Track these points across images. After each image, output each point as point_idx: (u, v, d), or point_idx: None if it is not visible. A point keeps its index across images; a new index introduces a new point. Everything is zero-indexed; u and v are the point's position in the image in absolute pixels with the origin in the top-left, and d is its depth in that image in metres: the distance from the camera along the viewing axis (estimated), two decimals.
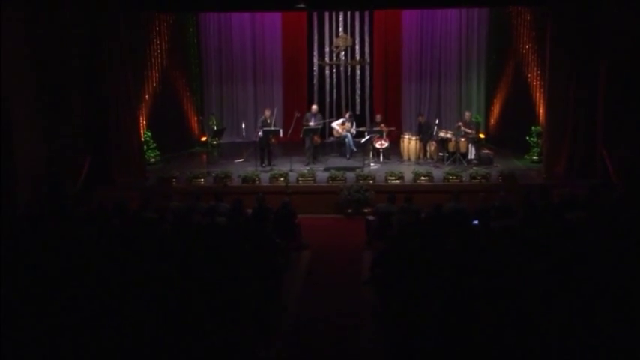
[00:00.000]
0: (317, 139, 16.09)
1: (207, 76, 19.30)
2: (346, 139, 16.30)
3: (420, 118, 16.77)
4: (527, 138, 16.15)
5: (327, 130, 17.35)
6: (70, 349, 5.87)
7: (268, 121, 15.81)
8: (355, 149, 16.29)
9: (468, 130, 15.82)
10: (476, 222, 9.99)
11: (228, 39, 19.14)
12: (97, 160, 14.40)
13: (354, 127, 16.56)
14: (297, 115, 16.34)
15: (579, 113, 14.21)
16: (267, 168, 15.36)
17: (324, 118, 17.26)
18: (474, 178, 14.33)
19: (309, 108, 16.66)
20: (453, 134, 15.83)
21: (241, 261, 8.25)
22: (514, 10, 16.85)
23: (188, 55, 18.53)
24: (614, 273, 7.21)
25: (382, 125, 16.42)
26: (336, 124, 16.58)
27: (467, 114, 16.45)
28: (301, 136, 15.98)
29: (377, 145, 16.22)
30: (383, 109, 18.63)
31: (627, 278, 7.05)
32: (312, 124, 15.91)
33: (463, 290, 6.81)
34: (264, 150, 15.75)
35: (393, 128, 16.94)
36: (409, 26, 18.90)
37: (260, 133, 15.59)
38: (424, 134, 16.29)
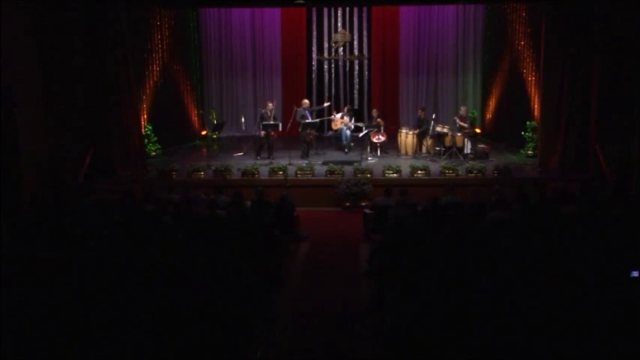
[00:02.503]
0: (311, 137, 16.20)
1: (207, 71, 19.46)
2: (343, 133, 16.45)
3: (420, 112, 16.94)
4: (523, 133, 16.32)
5: (325, 125, 17.52)
6: (72, 339, 5.99)
7: (269, 114, 15.98)
8: (351, 141, 16.43)
9: (463, 124, 16.01)
10: None
11: (229, 34, 19.29)
12: (99, 152, 14.52)
13: (352, 121, 16.67)
14: (295, 108, 16.48)
15: (573, 109, 14.39)
16: (267, 161, 15.48)
17: (321, 112, 17.40)
18: (470, 172, 14.49)
19: (300, 103, 16.63)
20: (450, 128, 16.03)
21: (241, 252, 8.39)
22: (509, 7, 17.02)
23: (188, 50, 18.66)
24: (606, 266, 7.37)
25: (379, 120, 16.59)
26: (338, 115, 16.71)
27: (462, 108, 16.64)
28: (300, 130, 16.13)
29: (374, 140, 16.39)
30: (380, 103, 18.83)
31: (619, 271, 7.20)
32: (309, 119, 16.09)
33: (459, 281, 6.96)
34: (264, 144, 15.97)
35: (382, 124, 16.71)
36: (406, 22, 19.10)
37: (263, 132, 15.83)
38: (422, 128, 16.48)
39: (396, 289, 7.54)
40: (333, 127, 16.77)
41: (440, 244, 8.53)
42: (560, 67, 14.35)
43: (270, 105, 16.12)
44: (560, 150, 14.56)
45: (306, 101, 16.72)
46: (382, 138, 16.36)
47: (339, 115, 16.75)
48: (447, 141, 15.94)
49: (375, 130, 16.33)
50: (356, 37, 19.18)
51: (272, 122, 15.95)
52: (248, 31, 19.30)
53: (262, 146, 15.98)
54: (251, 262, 8.21)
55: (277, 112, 17.16)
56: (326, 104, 17.38)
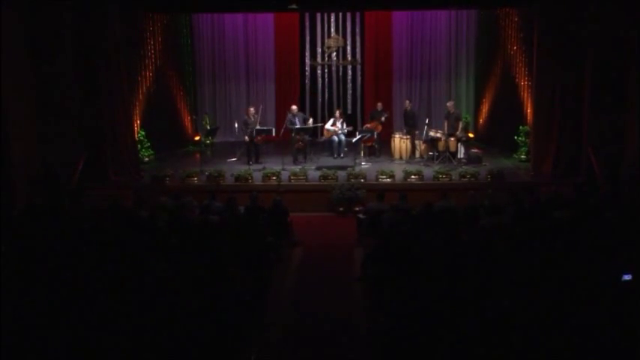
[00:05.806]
0: (301, 143, 16.17)
1: (200, 76, 19.45)
2: (336, 138, 16.44)
3: (407, 104, 16.99)
4: (516, 137, 16.35)
5: (318, 130, 17.51)
6: (66, 345, 5.96)
7: (252, 119, 15.99)
8: (345, 146, 16.43)
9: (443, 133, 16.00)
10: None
11: (221, 39, 19.30)
12: (92, 158, 14.44)
13: (344, 126, 16.62)
14: (288, 114, 16.50)
15: (566, 113, 14.40)
16: (260, 166, 15.47)
17: (315, 117, 17.39)
18: (464, 176, 14.50)
19: (289, 109, 16.63)
20: (443, 133, 16.06)
21: (234, 258, 8.37)
22: (502, 12, 17.09)
23: (181, 55, 18.64)
24: (599, 269, 7.38)
25: (381, 120, 16.57)
26: (328, 125, 16.71)
27: (449, 104, 16.64)
28: (292, 134, 16.14)
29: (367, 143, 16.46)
30: (374, 108, 18.84)
31: (611, 274, 7.21)
32: (298, 125, 16.08)
33: (452, 287, 6.96)
34: (251, 150, 15.99)
35: (379, 129, 16.75)
36: (399, 27, 19.15)
37: (246, 138, 15.83)
38: (408, 122, 16.50)
39: (390, 294, 7.53)
40: (326, 135, 16.75)
41: (434, 249, 8.53)
42: (552, 71, 14.38)
43: (252, 110, 16.17)
44: (553, 154, 14.56)
45: (294, 107, 16.70)
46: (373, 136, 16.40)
47: (328, 124, 16.73)
48: (440, 146, 15.96)
49: (369, 135, 16.35)
50: (349, 42, 19.21)
51: (264, 128, 15.98)
52: (241, 36, 19.32)
53: (250, 152, 16.00)
54: (244, 268, 8.19)
55: (270, 118, 17.19)
56: (310, 122, 16.94)
